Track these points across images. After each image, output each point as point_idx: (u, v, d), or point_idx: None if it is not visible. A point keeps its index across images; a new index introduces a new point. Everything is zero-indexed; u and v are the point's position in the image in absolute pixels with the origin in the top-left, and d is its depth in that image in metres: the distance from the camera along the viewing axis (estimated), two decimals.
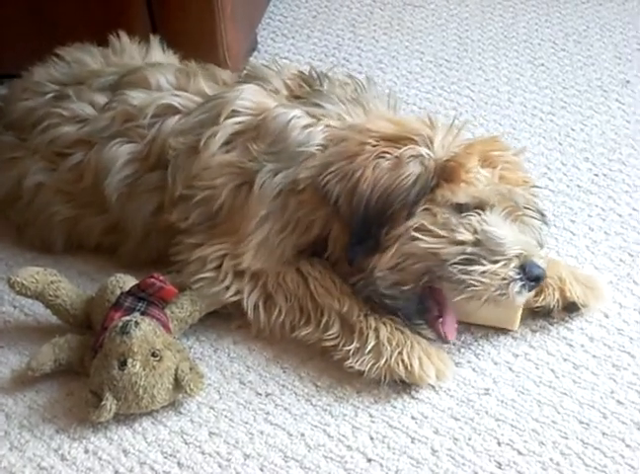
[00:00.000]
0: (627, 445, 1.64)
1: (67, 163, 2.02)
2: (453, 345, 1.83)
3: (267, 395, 1.76)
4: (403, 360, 1.73)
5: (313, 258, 1.87)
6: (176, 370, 1.70)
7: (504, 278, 1.72)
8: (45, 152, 2.04)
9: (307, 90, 1.94)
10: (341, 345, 1.78)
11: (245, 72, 2.06)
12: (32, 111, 2.09)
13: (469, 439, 1.66)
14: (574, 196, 2.27)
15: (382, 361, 1.73)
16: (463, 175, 1.76)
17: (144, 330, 1.70)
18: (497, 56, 2.90)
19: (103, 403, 1.66)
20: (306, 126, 1.86)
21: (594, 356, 1.82)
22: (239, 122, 1.90)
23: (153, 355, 1.69)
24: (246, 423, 1.70)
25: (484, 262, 1.72)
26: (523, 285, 1.73)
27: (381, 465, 1.62)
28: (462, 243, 1.73)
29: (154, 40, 2.27)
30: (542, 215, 1.87)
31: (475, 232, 1.74)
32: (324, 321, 1.80)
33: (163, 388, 1.69)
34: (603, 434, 1.67)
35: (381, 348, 1.74)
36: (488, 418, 1.70)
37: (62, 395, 1.77)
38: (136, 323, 1.70)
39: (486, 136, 1.94)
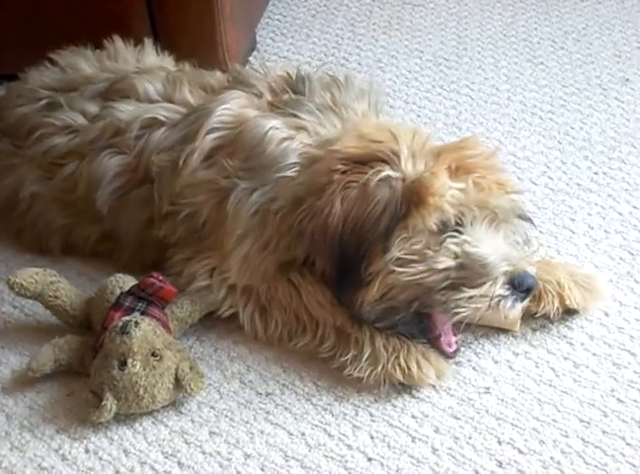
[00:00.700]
0: (628, 444, 1.64)
1: (62, 173, 2.02)
2: None
3: (267, 394, 1.76)
4: (400, 364, 1.73)
5: (304, 268, 1.84)
6: (176, 370, 1.70)
7: (493, 298, 1.69)
8: (41, 161, 2.04)
9: (287, 97, 1.92)
10: (338, 355, 1.78)
11: (232, 77, 2.04)
12: (26, 118, 2.09)
13: (470, 438, 1.66)
14: (574, 194, 2.27)
15: (380, 367, 1.73)
16: (431, 199, 1.70)
17: (144, 330, 1.70)
18: (496, 55, 2.90)
19: (103, 403, 1.66)
20: (282, 140, 1.83)
21: (594, 355, 1.82)
22: (218, 138, 1.88)
23: (153, 354, 1.69)
24: (246, 422, 1.70)
25: (471, 285, 1.69)
26: (515, 299, 1.71)
27: (382, 464, 1.62)
28: (445, 270, 1.70)
29: (148, 44, 2.26)
30: (526, 217, 1.82)
31: (457, 256, 1.71)
32: (319, 333, 1.80)
33: (163, 388, 1.69)
34: (604, 432, 1.67)
35: (378, 354, 1.74)
36: (488, 417, 1.70)
37: (63, 395, 1.77)
38: (136, 323, 1.70)
39: (457, 141, 1.88)
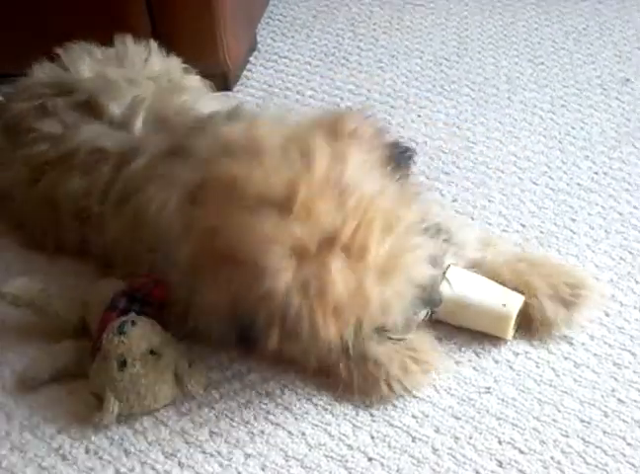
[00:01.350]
0: (628, 444, 1.64)
1: (45, 178, 2.02)
2: (454, 343, 1.83)
3: (267, 394, 1.76)
4: (396, 375, 1.72)
5: None
6: (176, 367, 1.70)
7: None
8: (29, 163, 2.04)
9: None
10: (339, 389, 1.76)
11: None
12: (19, 118, 2.08)
13: (470, 438, 1.66)
14: (574, 194, 2.27)
15: (381, 382, 1.72)
16: None
17: (141, 328, 1.69)
18: (496, 55, 2.90)
19: (105, 405, 1.65)
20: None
21: (594, 355, 1.82)
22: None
23: (152, 353, 1.69)
24: (247, 422, 1.70)
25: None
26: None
27: (382, 464, 1.62)
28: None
29: (154, 46, 2.25)
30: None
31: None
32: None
33: (165, 386, 1.69)
34: (604, 432, 1.67)
35: (368, 375, 1.72)
36: (489, 416, 1.70)
37: (63, 395, 1.77)
38: (133, 322, 1.70)
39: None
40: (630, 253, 2.07)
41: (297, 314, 1.51)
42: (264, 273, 1.51)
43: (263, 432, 1.69)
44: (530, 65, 2.84)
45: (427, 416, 1.71)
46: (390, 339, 1.72)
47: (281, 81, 2.78)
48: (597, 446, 1.64)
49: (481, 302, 1.80)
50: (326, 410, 1.72)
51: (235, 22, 2.63)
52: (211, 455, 1.65)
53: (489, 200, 2.24)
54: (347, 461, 1.63)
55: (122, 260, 1.88)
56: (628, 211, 2.20)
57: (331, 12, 3.17)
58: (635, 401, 1.72)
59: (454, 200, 2.23)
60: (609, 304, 1.93)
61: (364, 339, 1.65)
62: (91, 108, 2.01)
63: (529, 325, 1.83)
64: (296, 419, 1.71)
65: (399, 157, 1.70)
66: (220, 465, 1.63)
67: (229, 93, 2.65)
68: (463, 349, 1.83)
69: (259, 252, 1.51)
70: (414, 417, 1.71)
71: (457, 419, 1.70)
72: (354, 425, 1.70)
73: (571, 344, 1.84)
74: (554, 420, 1.69)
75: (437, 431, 1.68)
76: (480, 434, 1.67)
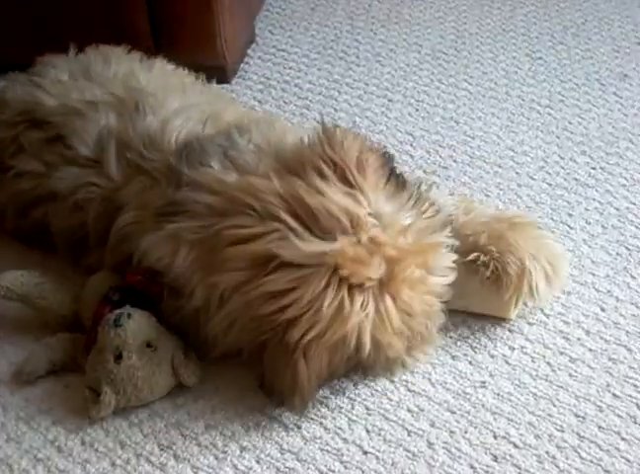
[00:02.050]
0: (623, 439, 1.65)
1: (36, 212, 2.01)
2: (450, 338, 1.84)
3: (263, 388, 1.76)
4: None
5: None
6: (172, 359, 1.70)
7: None
8: (16, 201, 2.03)
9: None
10: None
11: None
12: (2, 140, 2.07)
13: (465, 432, 1.66)
14: (571, 189, 2.27)
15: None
16: None
17: (137, 321, 1.69)
18: (495, 49, 2.90)
19: (102, 398, 1.65)
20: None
21: (590, 350, 1.82)
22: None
23: (148, 345, 1.69)
24: (242, 415, 1.70)
25: None
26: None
27: (377, 458, 1.63)
28: None
29: (115, 50, 2.21)
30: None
31: None
32: None
33: (161, 378, 1.69)
34: (599, 427, 1.67)
35: None
36: (484, 411, 1.70)
37: (59, 387, 1.77)
38: (129, 315, 1.69)
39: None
40: (627, 248, 2.07)
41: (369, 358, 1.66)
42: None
43: (258, 424, 1.69)
44: (528, 60, 2.84)
45: (422, 410, 1.71)
46: None
47: (279, 74, 2.78)
48: (591, 441, 1.64)
49: (482, 283, 1.80)
50: (321, 403, 1.72)
51: (234, 14, 2.62)
52: (207, 448, 1.65)
53: (486, 195, 2.24)
54: (342, 455, 1.63)
55: None
56: (625, 207, 2.20)
57: (329, 5, 3.17)
58: (630, 396, 1.72)
59: (451, 195, 2.23)
60: (606, 299, 1.93)
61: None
62: (64, 147, 1.95)
63: (501, 281, 1.80)
64: (292, 412, 1.71)
65: (392, 168, 1.73)
66: (216, 458, 1.63)
67: (225, 85, 2.65)
68: (459, 343, 1.83)
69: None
70: (409, 411, 1.71)
71: (453, 413, 1.70)
72: (349, 418, 1.70)
73: (567, 338, 1.85)
74: (549, 414, 1.69)
75: (432, 425, 1.68)
76: (475, 428, 1.67)
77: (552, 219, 2.15)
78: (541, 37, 2.96)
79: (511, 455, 1.62)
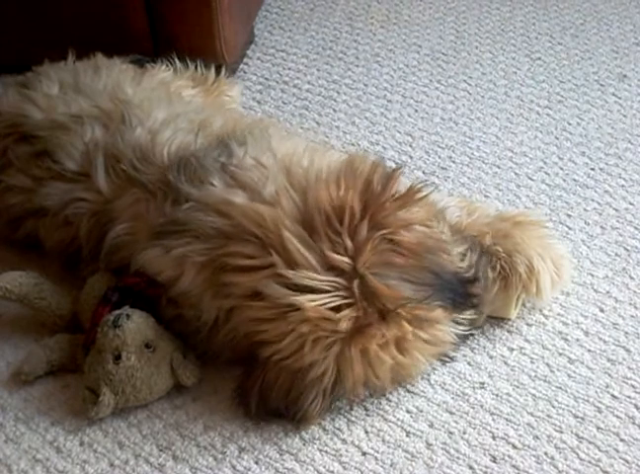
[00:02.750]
0: (622, 440, 1.65)
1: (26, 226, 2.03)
2: None
3: None
4: None
5: None
6: (171, 360, 1.70)
7: None
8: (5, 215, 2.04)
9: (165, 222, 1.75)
10: None
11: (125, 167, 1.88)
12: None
13: (464, 433, 1.66)
14: (570, 190, 2.27)
15: None
16: None
17: (136, 322, 1.69)
18: (494, 50, 2.90)
19: (101, 399, 1.65)
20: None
21: (589, 351, 1.82)
22: None
23: (147, 345, 1.69)
24: (241, 416, 1.70)
25: None
26: None
27: (376, 459, 1.63)
28: None
29: (100, 58, 2.21)
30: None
31: None
32: None
33: (160, 379, 1.69)
34: (598, 428, 1.67)
35: None
36: (483, 412, 1.70)
37: (58, 388, 1.77)
38: (127, 315, 1.70)
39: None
40: (626, 249, 2.07)
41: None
42: None
43: (257, 425, 1.69)
44: (528, 61, 2.84)
45: (421, 411, 1.71)
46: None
47: (278, 74, 2.78)
48: (590, 442, 1.64)
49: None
50: None
51: (233, 15, 2.62)
52: (205, 448, 1.65)
53: (485, 196, 2.24)
54: (341, 455, 1.63)
55: None
56: (624, 207, 2.20)
57: (328, 5, 3.17)
58: (629, 397, 1.72)
59: (450, 195, 2.23)
60: (604, 300, 1.93)
61: None
62: (51, 161, 1.94)
63: (509, 281, 1.80)
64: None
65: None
66: (214, 458, 1.63)
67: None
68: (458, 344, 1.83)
69: None
70: (408, 412, 1.71)
71: (451, 414, 1.70)
72: (348, 419, 1.70)
73: (566, 339, 1.85)
74: (548, 415, 1.69)
75: (431, 425, 1.68)
76: (474, 429, 1.67)
77: (551, 220, 2.15)
78: (540, 37, 2.96)
79: (509, 456, 1.62)
